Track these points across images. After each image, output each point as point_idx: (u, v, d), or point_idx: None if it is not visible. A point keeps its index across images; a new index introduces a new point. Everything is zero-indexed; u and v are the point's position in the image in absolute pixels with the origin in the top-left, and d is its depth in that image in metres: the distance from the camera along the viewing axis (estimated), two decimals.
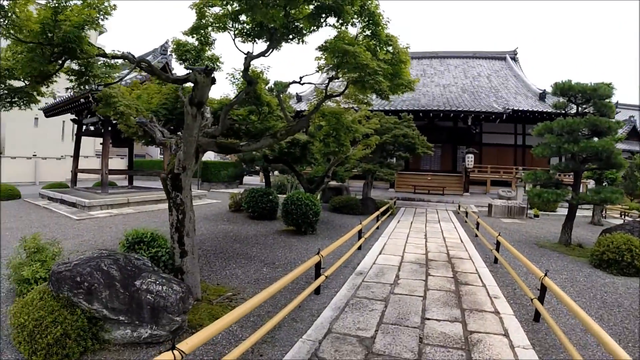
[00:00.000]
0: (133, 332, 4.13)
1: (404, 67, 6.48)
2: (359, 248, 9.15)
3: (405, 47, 6.28)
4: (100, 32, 37.87)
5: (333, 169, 14.02)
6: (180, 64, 6.96)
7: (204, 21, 6.09)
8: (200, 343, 3.08)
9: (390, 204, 16.58)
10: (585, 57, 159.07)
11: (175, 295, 4.27)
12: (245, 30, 6.23)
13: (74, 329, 3.79)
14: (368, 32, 5.89)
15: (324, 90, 7.48)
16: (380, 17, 5.64)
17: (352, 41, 5.73)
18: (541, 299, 5.19)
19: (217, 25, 6.15)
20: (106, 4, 4.53)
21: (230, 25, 6.17)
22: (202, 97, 5.18)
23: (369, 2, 5.48)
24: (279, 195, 14.15)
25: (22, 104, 5.89)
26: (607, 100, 10.25)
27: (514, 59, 35.93)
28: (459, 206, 18.24)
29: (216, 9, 5.92)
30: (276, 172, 22.14)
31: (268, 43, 6.07)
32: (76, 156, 19.07)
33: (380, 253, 8.88)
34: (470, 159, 23.78)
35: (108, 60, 5.28)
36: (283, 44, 6.20)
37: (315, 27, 5.58)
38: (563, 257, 9.05)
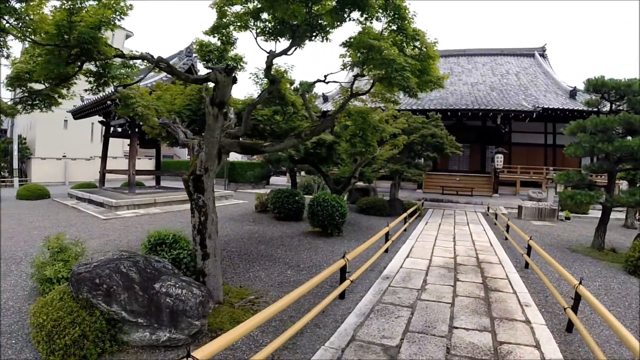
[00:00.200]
0: (152, 335, 4.06)
1: (432, 63, 6.21)
2: (386, 251, 8.92)
3: (433, 41, 6.02)
4: (127, 36, 38.91)
5: (360, 169, 13.78)
6: (204, 65, 6.93)
7: (225, 20, 6.01)
8: (216, 351, 2.96)
9: (418, 206, 16.24)
10: (614, 53, 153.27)
11: (195, 299, 4.18)
12: (267, 29, 6.12)
13: (92, 330, 3.77)
14: (394, 27, 5.65)
15: (349, 89, 7.30)
16: (406, 11, 5.40)
17: (378, 36, 5.51)
18: (575, 308, 4.88)
19: (238, 24, 6.06)
20: (122, 4, 4.46)
21: (252, 24, 6.08)
22: (223, 96, 5.09)
23: None
24: (305, 196, 14.04)
25: (42, 106, 5.92)
26: None
27: (543, 55, 34.77)
28: (488, 208, 17.72)
29: (237, 8, 5.83)
30: (303, 173, 22.05)
31: (290, 41, 5.94)
32: (104, 157, 19.51)
33: (407, 256, 8.63)
34: (499, 159, 23.12)
35: (127, 61, 5.24)
36: (306, 42, 6.07)
37: (338, 23, 5.41)
38: (596, 263, 8.60)
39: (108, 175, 19.87)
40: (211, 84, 5.36)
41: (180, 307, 4.07)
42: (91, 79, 5.26)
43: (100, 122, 19.77)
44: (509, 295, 6.19)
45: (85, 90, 5.49)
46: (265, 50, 5.90)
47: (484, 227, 13.47)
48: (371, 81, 7.06)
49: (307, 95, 7.82)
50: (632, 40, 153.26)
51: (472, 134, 26.87)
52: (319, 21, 5.59)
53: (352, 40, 5.66)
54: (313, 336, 4.55)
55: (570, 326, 4.88)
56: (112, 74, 5.19)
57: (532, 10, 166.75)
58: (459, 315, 5.26)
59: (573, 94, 25.32)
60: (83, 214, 13.11)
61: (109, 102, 15.14)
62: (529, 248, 8.10)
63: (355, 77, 6.95)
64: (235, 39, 6.53)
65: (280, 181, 29.12)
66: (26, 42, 4.64)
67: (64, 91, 5.71)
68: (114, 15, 4.46)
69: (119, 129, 18.55)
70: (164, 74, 14.35)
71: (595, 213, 15.90)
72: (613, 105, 10.36)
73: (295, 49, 6.00)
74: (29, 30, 4.36)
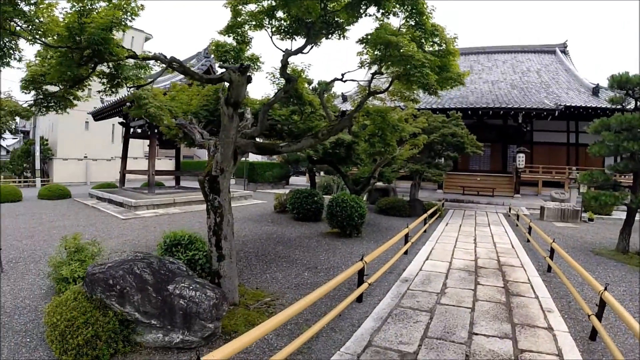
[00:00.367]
0: (165, 337, 4.02)
1: (452, 59, 6.01)
2: (405, 253, 8.74)
3: (452, 37, 5.84)
4: (147, 39, 39.50)
5: (379, 169, 13.63)
6: (219, 65, 6.88)
7: (239, 19, 5.96)
8: (229, 355, 2.88)
9: (438, 206, 15.98)
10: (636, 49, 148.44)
11: (209, 301, 4.12)
12: (282, 27, 6.06)
13: (105, 331, 3.76)
14: (412, 22, 5.50)
15: (367, 88, 7.16)
16: (424, 6, 5.24)
17: (395, 32, 5.35)
18: (599, 315, 4.64)
19: (253, 23, 6.01)
20: (133, 4, 4.41)
21: (267, 23, 6.02)
22: (238, 96, 5.03)
23: None
24: (324, 197, 13.94)
25: (58, 108, 5.95)
26: None
27: (564, 52, 33.80)
28: (510, 208, 17.28)
29: (251, 6, 5.77)
30: (322, 173, 21.97)
31: (306, 39, 5.84)
32: (124, 157, 19.80)
33: (427, 258, 8.43)
34: (521, 159, 22.57)
35: (140, 62, 5.22)
36: (323, 39, 5.97)
37: (354, 19, 5.29)
38: (621, 267, 8.26)
39: (128, 176, 20.17)
40: (227, 84, 5.31)
41: (194, 309, 4.02)
42: (104, 80, 5.26)
43: (120, 123, 20.09)
44: (530, 300, 5.96)
45: (99, 91, 5.49)
46: (281, 49, 5.84)
47: (505, 229, 13.13)
48: (389, 79, 6.92)
49: (325, 95, 7.71)
50: None
51: (493, 133, 26.30)
52: (335, 18, 5.48)
53: (368, 36, 5.53)
54: (329, 340, 4.44)
55: (594, 334, 4.66)
56: (124, 74, 5.17)
57: (552, 7, 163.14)
58: (479, 320, 5.07)
59: (596, 91, 24.57)
60: (103, 213, 13.30)
61: (128, 104, 15.32)
62: (552, 251, 7.81)
63: (373, 75, 6.80)
64: (251, 39, 6.47)
65: (300, 181, 29.13)
66: (38, 45, 4.65)
67: (79, 93, 5.73)
68: (125, 16, 4.43)
69: (139, 130, 18.81)
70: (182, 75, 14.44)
71: (619, 214, 15.38)
72: (638, 102, 9.95)
73: (312, 47, 5.91)
74: (39, 32, 4.36)
